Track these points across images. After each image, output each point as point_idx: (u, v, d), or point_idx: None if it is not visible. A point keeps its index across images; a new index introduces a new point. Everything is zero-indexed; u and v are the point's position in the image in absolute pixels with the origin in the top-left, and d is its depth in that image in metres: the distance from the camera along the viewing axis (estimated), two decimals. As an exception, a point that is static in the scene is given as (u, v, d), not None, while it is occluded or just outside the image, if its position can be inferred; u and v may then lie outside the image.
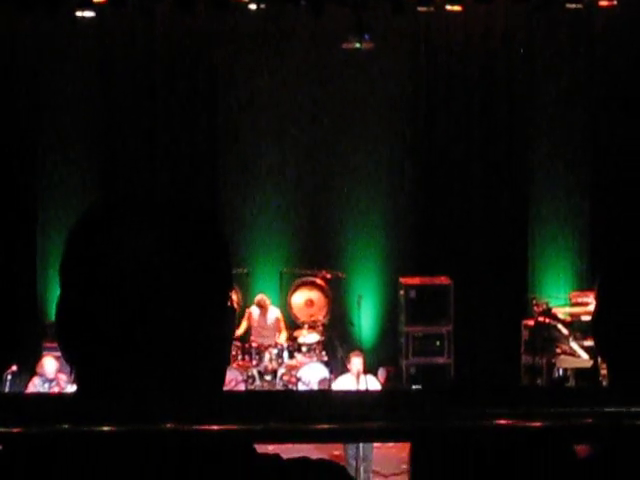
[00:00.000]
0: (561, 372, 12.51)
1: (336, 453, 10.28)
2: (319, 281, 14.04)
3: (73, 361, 1.42)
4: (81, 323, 1.39)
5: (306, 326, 13.56)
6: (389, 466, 10.72)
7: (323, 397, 1.10)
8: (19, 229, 13.90)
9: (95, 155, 14.14)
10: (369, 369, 11.52)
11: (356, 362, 11.08)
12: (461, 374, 13.46)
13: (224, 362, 1.49)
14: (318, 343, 13.11)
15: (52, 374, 11.48)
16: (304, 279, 14.07)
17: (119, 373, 1.38)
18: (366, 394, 1.14)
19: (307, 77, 14.17)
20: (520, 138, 14.36)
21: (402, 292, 13.75)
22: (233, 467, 1.38)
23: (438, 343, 13.63)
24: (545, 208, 14.45)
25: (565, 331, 12.56)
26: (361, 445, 10.03)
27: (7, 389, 11.55)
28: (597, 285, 1.84)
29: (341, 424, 1.04)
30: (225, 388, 1.53)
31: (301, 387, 12.26)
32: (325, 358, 12.90)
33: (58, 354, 10.41)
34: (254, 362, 12.74)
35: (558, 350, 12.53)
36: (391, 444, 9.03)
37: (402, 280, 13.86)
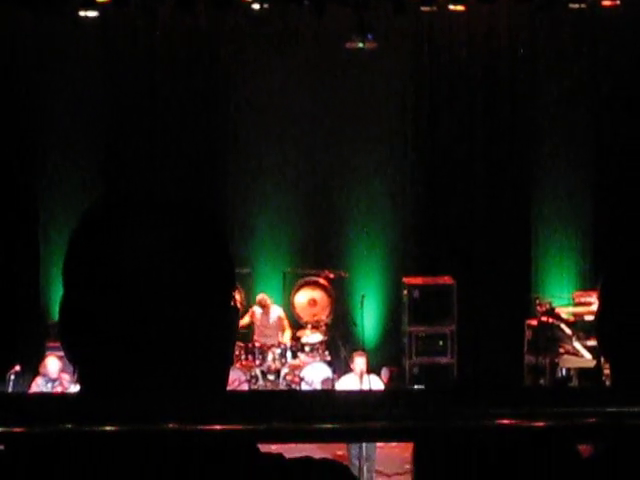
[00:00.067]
0: (564, 372, 12.51)
1: (339, 453, 10.28)
2: (322, 281, 14.04)
3: (76, 361, 1.42)
4: (84, 322, 1.39)
5: (309, 326, 13.57)
6: (392, 466, 10.72)
7: (326, 397, 1.10)
8: (21, 229, 13.91)
9: (96, 155, 14.15)
10: (372, 369, 11.52)
11: (359, 362, 11.08)
12: (464, 374, 13.46)
13: (227, 362, 1.48)
14: (321, 343, 13.12)
15: (55, 374, 11.49)
16: (307, 279, 14.07)
17: (122, 373, 1.38)
18: (369, 394, 1.14)
19: (310, 77, 14.17)
20: (523, 138, 14.36)
21: (405, 292, 13.75)
22: (236, 467, 1.38)
23: (441, 343, 13.62)
24: (548, 208, 14.45)
25: (568, 331, 12.56)
26: (364, 445, 10.03)
27: (10, 389, 11.55)
28: (600, 285, 1.84)
29: (344, 424, 1.04)
30: (228, 388, 1.53)
31: (304, 387, 12.26)
32: (328, 358, 12.90)
33: (61, 354, 10.41)
34: (257, 362, 12.75)
35: (561, 350, 12.52)
36: (394, 444, 9.03)
37: (405, 280, 13.86)
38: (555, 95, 14.22)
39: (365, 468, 10.30)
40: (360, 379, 10.99)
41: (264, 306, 13.23)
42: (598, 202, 14.22)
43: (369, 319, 13.59)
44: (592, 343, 11.93)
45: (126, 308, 1.37)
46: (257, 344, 12.90)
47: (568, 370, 12.47)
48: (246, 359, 12.76)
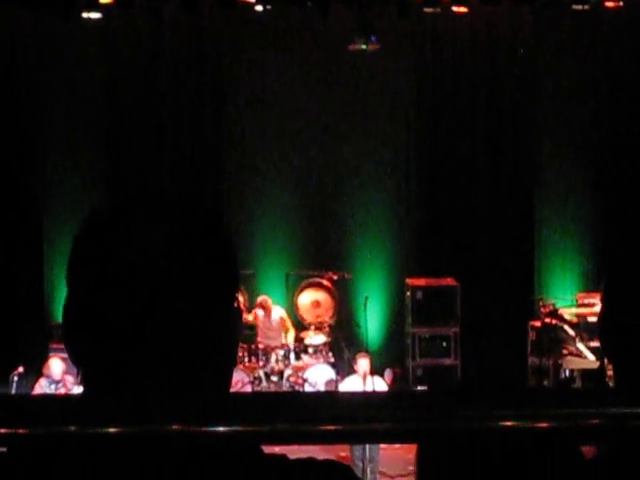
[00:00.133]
0: (567, 373, 12.50)
1: (343, 454, 10.28)
2: (325, 282, 14.03)
3: (79, 362, 1.42)
4: (87, 323, 1.39)
5: (312, 327, 13.57)
6: (395, 467, 10.71)
7: (330, 398, 1.10)
8: (24, 230, 13.92)
9: (100, 155, 14.16)
10: (375, 370, 11.50)
11: (362, 363, 11.07)
12: (468, 375, 13.45)
13: (231, 363, 1.49)
14: (324, 344, 13.11)
15: (58, 375, 11.48)
16: (310, 280, 14.07)
17: (125, 374, 1.38)
18: (372, 395, 1.14)
19: (313, 78, 14.17)
20: (526, 139, 14.35)
21: (409, 293, 13.75)
22: (240, 468, 1.38)
23: (445, 344, 13.62)
24: (551, 209, 14.44)
25: (572, 332, 12.56)
26: (367, 446, 10.03)
27: (13, 390, 11.56)
28: (603, 286, 1.84)
29: (348, 425, 1.04)
30: (232, 390, 1.53)
31: (307, 388, 12.26)
32: (332, 359, 12.89)
33: (65, 355, 10.40)
34: (261, 363, 12.74)
35: (565, 351, 12.52)
36: (397, 445, 9.03)
37: (409, 281, 13.86)
38: (557, 95, 14.22)
39: (368, 469, 10.29)
40: (363, 380, 10.98)
41: (265, 308, 13.22)
42: (601, 203, 14.21)
43: (372, 320, 13.58)
44: (595, 344, 11.93)
45: (131, 304, 1.37)
46: (260, 346, 12.89)
47: (571, 371, 12.47)
48: (249, 360, 12.75)
